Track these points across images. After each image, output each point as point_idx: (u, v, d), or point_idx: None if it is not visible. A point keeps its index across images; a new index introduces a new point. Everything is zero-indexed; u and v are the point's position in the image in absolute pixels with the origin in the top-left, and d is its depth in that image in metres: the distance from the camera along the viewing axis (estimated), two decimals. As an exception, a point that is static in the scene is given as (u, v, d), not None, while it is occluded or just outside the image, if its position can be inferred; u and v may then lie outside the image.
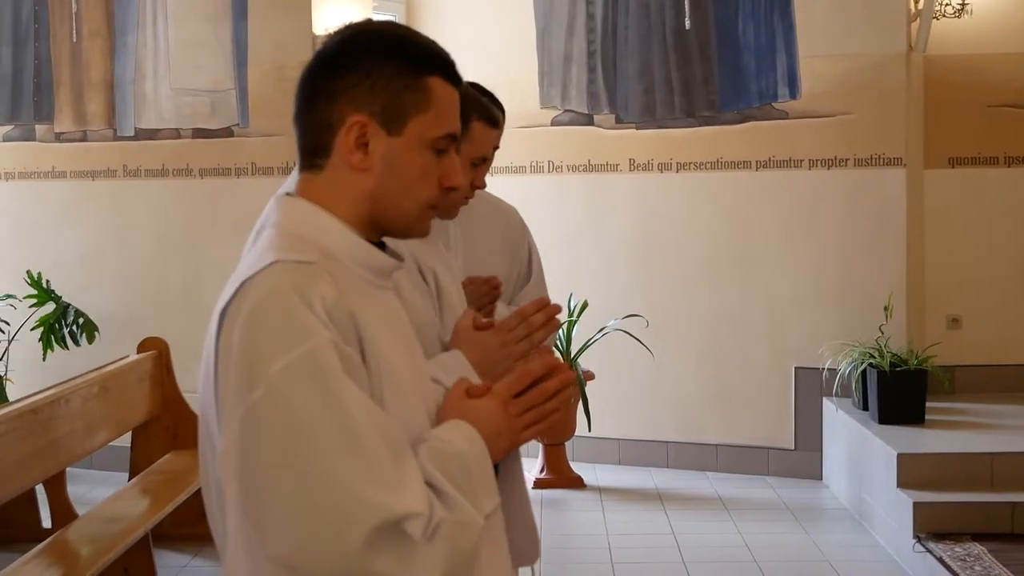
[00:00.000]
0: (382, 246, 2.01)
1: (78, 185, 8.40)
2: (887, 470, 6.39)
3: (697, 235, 7.99)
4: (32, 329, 8.03)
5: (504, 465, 2.23)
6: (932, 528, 5.98)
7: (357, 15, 7.76)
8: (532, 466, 7.82)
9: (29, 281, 8.02)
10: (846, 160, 7.69)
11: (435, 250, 2.61)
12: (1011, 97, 7.92)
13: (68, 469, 6.04)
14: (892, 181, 7.63)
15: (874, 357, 7.08)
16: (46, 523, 6.19)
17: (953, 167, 7.99)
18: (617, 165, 8.16)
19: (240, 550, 1.80)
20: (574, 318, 7.79)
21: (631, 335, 7.77)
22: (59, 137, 8.45)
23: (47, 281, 8.09)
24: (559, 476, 7.74)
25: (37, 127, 8.50)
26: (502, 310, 2.66)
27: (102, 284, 8.25)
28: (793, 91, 7.73)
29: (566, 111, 8.23)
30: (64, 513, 5.94)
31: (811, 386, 7.70)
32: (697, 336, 7.99)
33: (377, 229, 1.97)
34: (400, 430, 1.81)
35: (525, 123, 8.17)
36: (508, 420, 1.95)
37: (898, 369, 7.00)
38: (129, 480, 6.55)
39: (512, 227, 3.34)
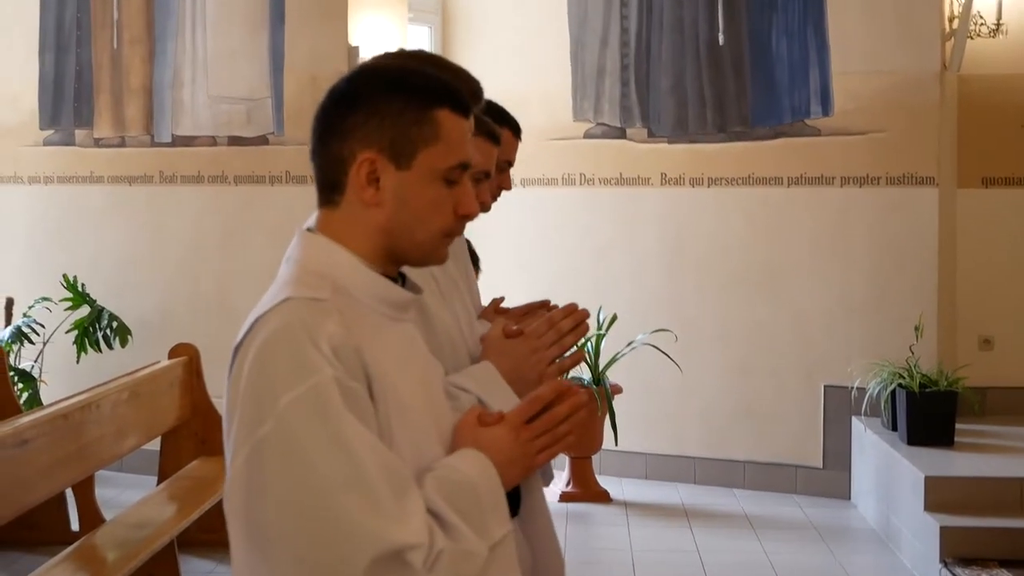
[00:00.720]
0: (402, 277, 2.06)
1: (115, 190, 8.50)
2: (914, 493, 6.34)
3: (727, 250, 7.99)
4: (67, 332, 8.13)
5: (525, 489, 2.25)
6: (959, 553, 5.93)
7: (392, 27, 7.80)
8: (559, 479, 7.84)
9: (65, 284, 8.12)
10: (878, 178, 7.67)
11: (441, 267, 2.62)
12: (1045, 118, 7.87)
13: (98, 472, 6.10)
14: (924, 200, 7.60)
15: (903, 377, 7.05)
16: (75, 526, 6.26)
17: (986, 187, 7.93)
18: (648, 179, 8.17)
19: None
20: (602, 331, 7.80)
21: (659, 349, 7.77)
22: (98, 142, 8.55)
23: (82, 284, 8.18)
24: (585, 490, 7.75)
25: (77, 132, 8.61)
26: (479, 327, 2.68)
27: (136, 288, 8.34)
28: (826, 108, 7.72)
29: (599, 124, 8.25)
30: (92, 517, 6.01)
31: (840, 404, 7.67)
32: (725, 352, 7.99)
33: (394, 261, 2.02)
34: (402, 463, 1.85)
35: (558, 136, 8.20)
36: (521, 446, 2.00)
37: (927, 390, 6.95)
38: (158, 484, 6.61)
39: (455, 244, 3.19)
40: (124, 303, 8.27)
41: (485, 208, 2.71)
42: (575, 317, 2.49)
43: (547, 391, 2.02)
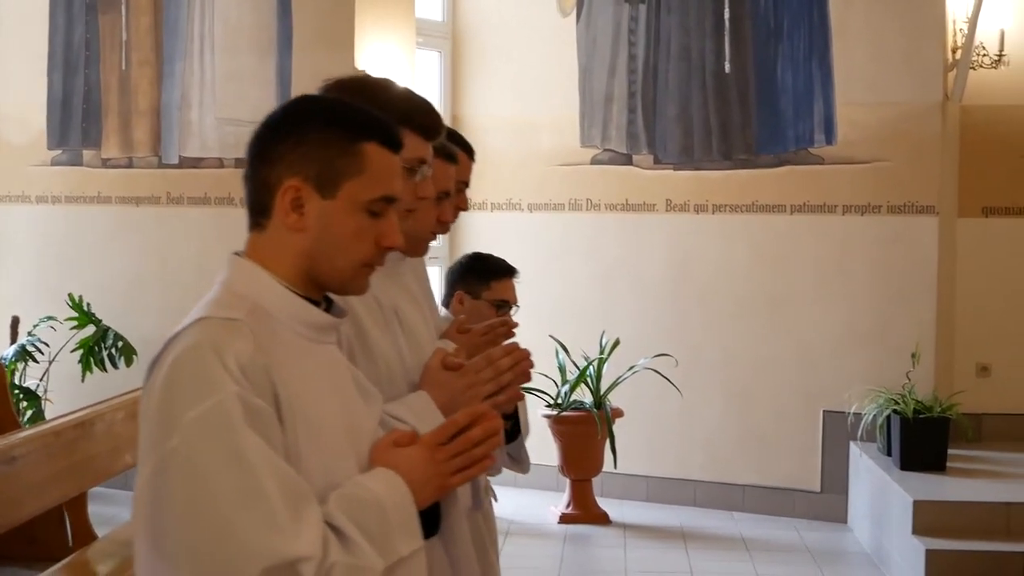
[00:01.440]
0: (329, 301, 2.14)
1: (122, 211, 8.55)
2: (903, 516, 6.41)
3: (730, 277, 8.06)
4: (72, 351, 8.16)
5: (446, 511, 2.29)
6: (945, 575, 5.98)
7: (400, 53, 7.88)
8: (559, 500, 7.89)
9: (70, 304, 8.16)
10: (879, 207, 7.75)
11: (398, 286, 2.65)
12: (1046, 148, 7.97)
13: (100, 489, 6.13)
14: (925, 229, 7.69)
15: (898, 403, 7.13)
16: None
17: (987, 216, 8.03)
18: (654, 205, 8.25)
19: None
20: (604, 355, 7.87)
21: (661, 374, 7.84)
22: (105, 163, 8.61)
23: (88, 304, 8.22)
24: (584, 512, 7.80)
25: (84, 152, 8.66)
26: (444, 346, 2.73)
27: (142, 309, 8.37)
28: (829, 137, 7.81)
29: (605, 150, 8.34)
30: (84, 534, 6.06)
31: (839, 430, 7.73)
32: (726, 377, 8.05)
33: (316, 286, 2.10)
34: (300, 478, 1.93)
35: (565, 161, 8.29)
36: (435, 466, 2.07)
37: (921, 416, 7.04)
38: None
39: (414, 264, 3.00)
40: (130, 323, 8.30)
41: (445, 228, 2.78)
42: (514, 356, 2.53)
43: (463, 416, 2.10)
